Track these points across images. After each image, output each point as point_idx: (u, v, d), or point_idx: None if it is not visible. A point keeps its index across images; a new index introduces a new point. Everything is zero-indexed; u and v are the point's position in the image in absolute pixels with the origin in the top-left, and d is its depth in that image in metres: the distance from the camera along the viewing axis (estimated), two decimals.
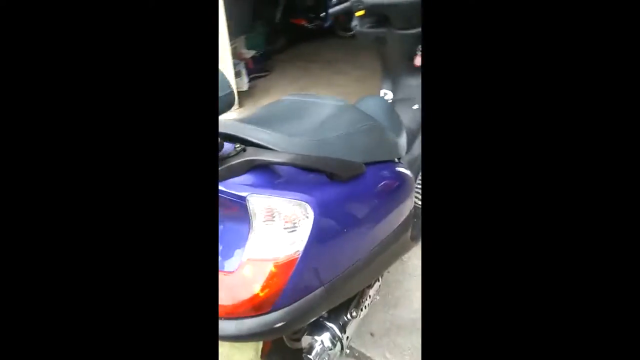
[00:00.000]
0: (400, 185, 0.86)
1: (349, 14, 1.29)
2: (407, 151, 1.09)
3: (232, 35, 2.92)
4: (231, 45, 2.91)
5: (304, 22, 3.91)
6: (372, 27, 1.26)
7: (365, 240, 0.71)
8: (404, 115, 1.14)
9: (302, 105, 0.81)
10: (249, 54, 3.10)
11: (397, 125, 0.99)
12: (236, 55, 3.01)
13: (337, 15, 1.35)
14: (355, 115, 0.79)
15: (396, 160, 0.94)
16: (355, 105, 1.10)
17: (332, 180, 0.64)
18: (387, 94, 1.36)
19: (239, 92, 2.55)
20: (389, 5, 1.12)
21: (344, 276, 0.65)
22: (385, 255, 0.79)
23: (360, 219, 0.68)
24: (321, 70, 3.34)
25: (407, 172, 0.92)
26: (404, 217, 0.87)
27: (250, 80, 2.84)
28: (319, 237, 0.58)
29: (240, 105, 2.52)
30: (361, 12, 1.21)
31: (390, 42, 1.23)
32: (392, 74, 1.32)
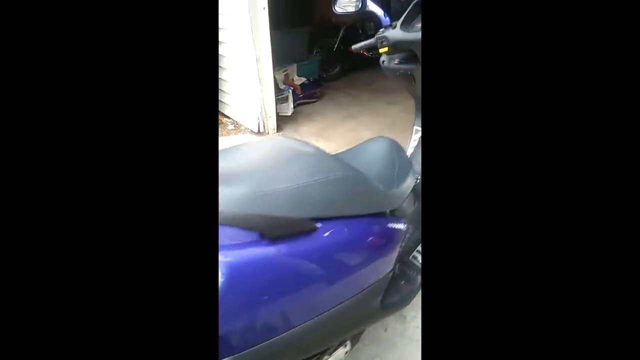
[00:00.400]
0: (376, 243, 0.77)
1: (373, 50, 1.26)
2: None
3: (285, 62, 3.03)
4: (282, 71, 3.02)
5: (362, 51, 3.92)
6: (400, 63, 1.21)
7: (301, 307, 0.62)
8: None
9: (278, 151, 0.75)
10: (300, 80, 3.18)
11: (398, 174, 0.87)
12: (287, 81, 3.11)
13: (361, 50, 1.33)
14: (324, 164, 0.70)
15: (388, 212, 0.85)
16: (349, 150, 1.02)
17: (263, 239, 0.58)
18: (419, 131, 1.28)
19: (280, 117, 2.60)
20: (414, 42, 1.07)
21: (267, 346, 0.58)
22: (334, 325, 0.69)
23: (295, 284, 0.60)
24: (372, 99, 3.30)
25: (396, 226, 0.82)
26: (375, 280, 0.77)
27: (295, 106, 2.90)
28: (228, 304, 0.53)
29: (279, 129, 2.57)
30: (385, 49, 1.18)
31: (419, 79, 1.16)
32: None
